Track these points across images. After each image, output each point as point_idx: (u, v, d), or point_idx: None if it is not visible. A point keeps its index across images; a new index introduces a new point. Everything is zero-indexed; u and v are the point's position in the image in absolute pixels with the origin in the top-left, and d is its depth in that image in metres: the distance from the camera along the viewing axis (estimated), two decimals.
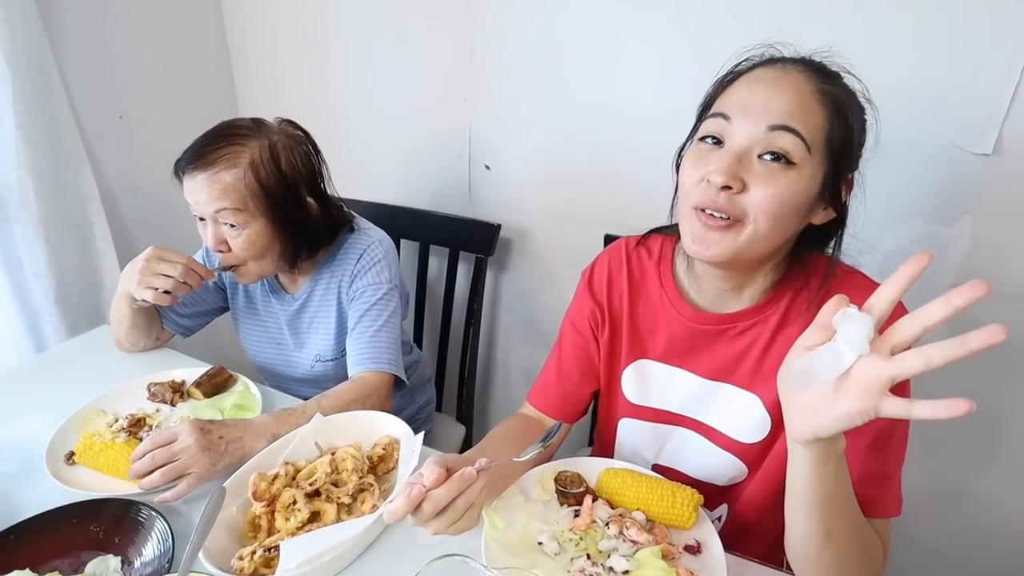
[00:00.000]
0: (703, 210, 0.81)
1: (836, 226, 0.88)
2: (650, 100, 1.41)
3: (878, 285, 0.83)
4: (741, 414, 0.96)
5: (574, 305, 1.12)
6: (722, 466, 1.00)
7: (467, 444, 1.80)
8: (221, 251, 1.17)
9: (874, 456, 0.83)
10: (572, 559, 0.83)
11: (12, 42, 1.37)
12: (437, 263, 1.77)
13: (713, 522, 0.95)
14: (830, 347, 0.62)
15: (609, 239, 1.49)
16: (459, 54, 1.60)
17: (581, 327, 1.08)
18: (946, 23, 1.12)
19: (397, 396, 1.44)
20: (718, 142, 0.81)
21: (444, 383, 1.82)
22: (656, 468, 1.07)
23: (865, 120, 0.83)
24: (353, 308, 1.26)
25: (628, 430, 1.08)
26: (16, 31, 1.38)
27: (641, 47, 1.39)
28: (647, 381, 1.04)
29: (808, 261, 0.89)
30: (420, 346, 1.83)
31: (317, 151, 1.25)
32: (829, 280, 0.88)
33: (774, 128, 0.76)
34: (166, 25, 1.79)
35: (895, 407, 0.58)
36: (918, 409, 0.56)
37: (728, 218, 0.79)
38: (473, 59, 1.59)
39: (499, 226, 1.64)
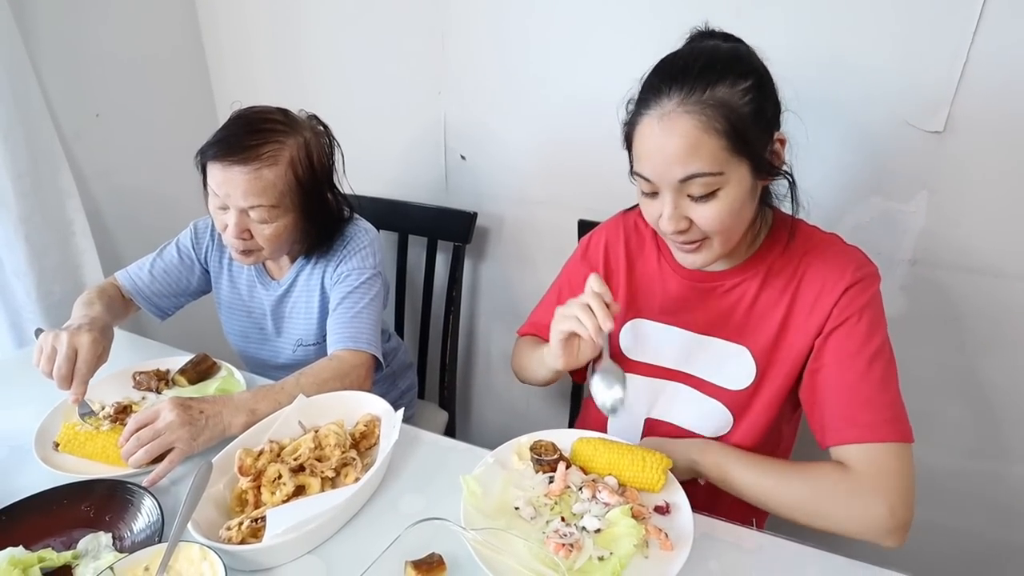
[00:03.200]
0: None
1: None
2: (621, 88, 1.43)
3: (850, 245, 1.00)
4: (730, 363, 1.04)
5: (568, 270, 1.26)
6: (710, 415, 1.07)
7: (450, 429, 1.84)
8: (243, 239, 1.19)
9: (848, 377, 0.94)
10: (547, 522, 0.87)
11: None
12: (416, 252, 1.80)
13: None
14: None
15: (583, 225, 1.53)
16: (431, 46, 1.63)
17: (576, 288, 1.15)
18: (895, 2, 1.16)
19: (379, 382, 1.47)
20: (654, 193, 0.92)
21: (426, 370, 1.86)
22: (649, 421, 1.14)
23: (752, 82, 0.86)
24: (336, 291, 1.29)
25: None
26: None
27: (611, 35, 1.42)
28: (642, 338, 1.13)
29: (782, 220, 1.02)
30: (401, 334, 1.86)
31: (334, 147, 1.29)
32: (802, 241, 1.00)
33: (683, 180, 0.86)
34: (140, 23, 1.80)
35: None
36: None
37: (696, 242, 0.93)
38: (445, 51, 1.62)
39: (475, 214, 1.68)
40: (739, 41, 0.95)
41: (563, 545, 0.80)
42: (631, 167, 0.94)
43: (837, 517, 0.90)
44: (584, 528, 0.85)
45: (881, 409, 0.91)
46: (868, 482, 0.89)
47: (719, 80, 0.84)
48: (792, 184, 0.95)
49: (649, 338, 1.12)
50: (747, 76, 0.86)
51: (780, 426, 1.08)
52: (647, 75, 0.91)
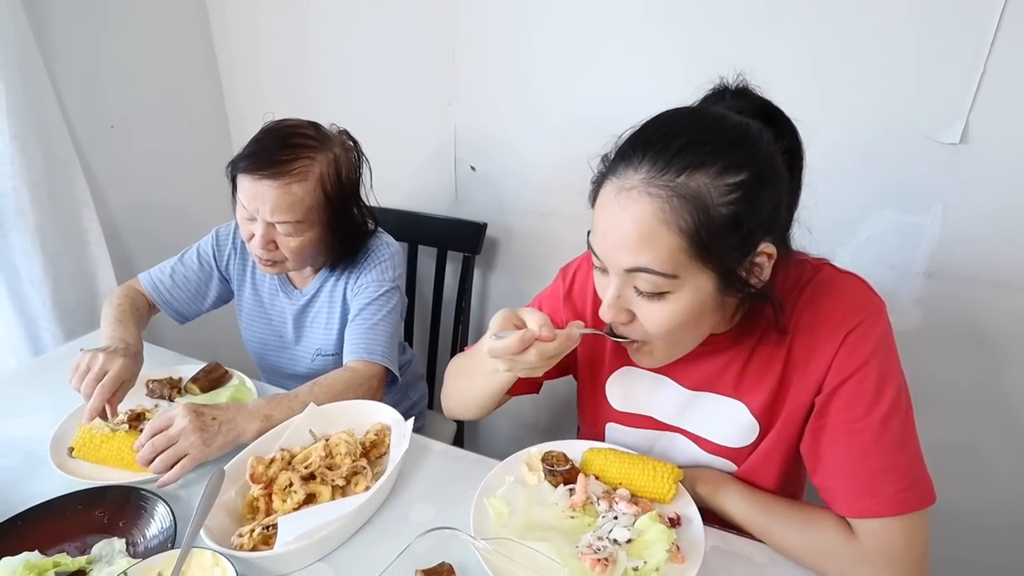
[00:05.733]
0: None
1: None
2: (630, 99, 1.45)
3: (846, 276, 0.89)
4: (728, 421, 0.96)
5: (549, 302, 1.12)
6: (713, 464, 1.01)
7: (459, 440, 1.84)
8: (268, 250, 1.20)
9: (855, 448, 0.83)
10: (580, 536, 0.86)
11: (4, 54, 1.41)
12: (425, 263, 1.81)
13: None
14: None
15: None
16: (443, 58, 1.64)
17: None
18: (912, 15, 1.16)
19: (390, 393, 1.47)
20: (604, 270, 0.81)
21: (435, 381, 1.86)
22: None
23: (745, 179, 0.72)
24: (354, 302, 1.30)
25: (615, 433, 1.09)
26: (8, 43, 1.41)
27: (620, 46, 1.43)
28: (632, 388, 1.04)
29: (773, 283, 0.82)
30: (411, 345, 1.87)
31: (362, 162, 1.30)
32: (792, 286, 0.87)
33: (629, 271, 0.76)
34: (155, 36, 1.83)
35: None
36: None
37: (635, 342, 0.85)
38: (456, 63, 1.63)
39: (485, 225, 1.69)
40: (766, 110, 0.82)
41: (599, 560, 0.80)
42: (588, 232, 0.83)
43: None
44: (616, 540, 0.84)
45: (901, 476, 0.80)
46: (878, 556, 0.80)
47: (700, 166, 0.71)
48: (771, 302, 0.82)
49: (640, 389, 1.03)
50: (740, 169, 0.71)
51: (788, 477, 0.97)
52: (625, 133, 0.80)
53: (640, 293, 0.77)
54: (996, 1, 1.09)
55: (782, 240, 0.79)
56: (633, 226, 0.72)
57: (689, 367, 0.96)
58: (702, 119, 0.76)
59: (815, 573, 0.85)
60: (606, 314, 0.80)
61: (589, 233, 0.82)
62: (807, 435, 0.89)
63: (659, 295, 0.76)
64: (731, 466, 0.99)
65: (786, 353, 0.88)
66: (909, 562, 0.80)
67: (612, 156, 0.79)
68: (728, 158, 0.71)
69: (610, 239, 0.76)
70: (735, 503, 0.93)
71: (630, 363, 1.00)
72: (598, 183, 0.80)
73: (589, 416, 1.13)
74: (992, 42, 1.12)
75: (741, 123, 0.75)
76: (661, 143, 0.73)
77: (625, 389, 1.05)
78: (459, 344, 1.77)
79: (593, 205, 0.81)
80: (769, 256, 0.76)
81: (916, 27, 1.16)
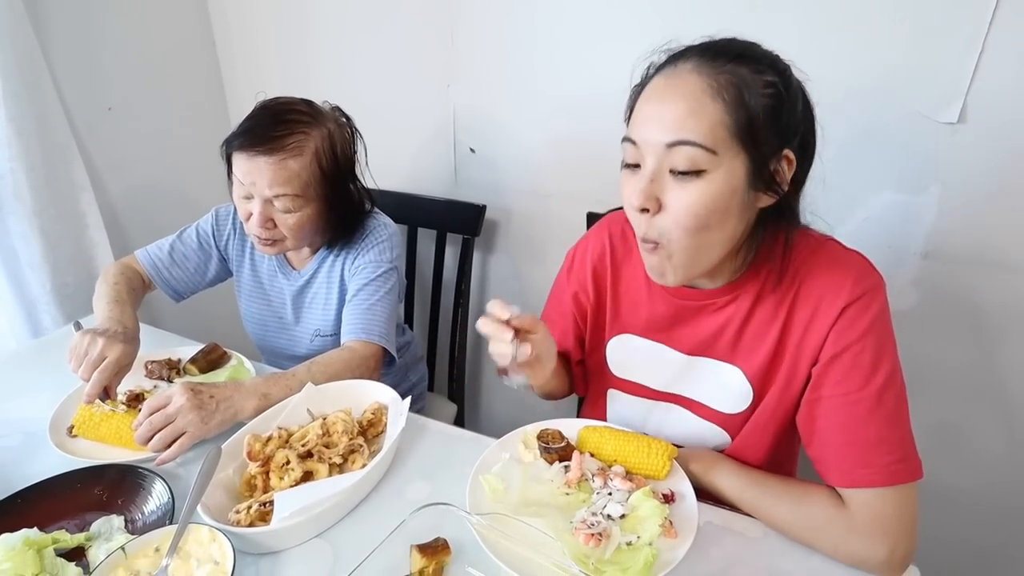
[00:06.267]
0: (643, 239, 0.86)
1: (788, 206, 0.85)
2: (629, 80, 1.44)
3: (849, 251, 0.90)
4: (723, 386, 0.98)
5: (555, 286, 1.18)
6: (706, 437, 1.03)
7: (459, 422, 1.85)
8: (267, 228, 1.21)
9: (850, 420, 0.84)
10: (574, 512, 0.87)
11: None
12: (425, 245, 1.81)
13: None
14: None
15: (592, 217, 1.53)
16: (441, 39, 1.64)
17: (565, 305, 1.13)
18: None
19: (390, 374, 1.48)
20: (636, 166, 0.83)
21: (435, 363, 1.87)
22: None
23: (778, 81, 0.78)
24: (352, 282, 1.30)
25: (616, 400, 1.12)
26: (2, 26, 1.41)
27: (620, 26, 1.42)
28: (631, 356, 1.07)
29: (777, 235, 0.87)
30: (411, 327, 1.87)
31: (356, 138, 1.30)
32: (795, 253, 0.89)
33: (671, 145, 0.77)
34: (151, 16, 1.82)
35: None
36: None
37: (653, 242, 0.84)
38: (454, 44, 1.63)
39: (484, 207, 1.68)
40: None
41: (592, 535, 0.80)
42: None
43: (828, 550, 0.84)
44: (609, 516, 0.85)
45: (893, 449, 0.82)
46: (870, 526, 0.82)
47: (743, 61, 0.77)
48: (788, 209, 0.85)
49: (637, 356, 1.06)
50: (774, 74, 0.78)
51: (781, 447, 0.99)
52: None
53: (675, 174, 0.78)
54: None
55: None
56: (681, 101, 0.77)
57: (686, 331, 0.98)
58: (736, 38, 0.83)
59: (808, 547, 0.86)
60: (635, 198, 0.80)
61: (624, 141, 0.85)
62: (803, 407, 0.90)
63: (695, 174, 0.77)
64: (725, 436, 1.01)
65: (784, 318, 0.90)
66: (900, 532, 0.81)
67: (659, 62, 0.84)
68: (764, 62, 0.78)
69: (654, 118, 0.79)
70: (728, 480, 0.94)
71: (628, 330, 1.05)
72: (638, 88, 0.85)
73: (593, 387, 1.17)
74: (991, 21, 1.11)
75: (772, 51, 0.82)
76: (708, 44, 0.80)
77: (624, 356, 1.08)
78: (459, 326, 1.77)
79: (632, 108, 0.85)
80: (790, 163, 0.81)
81: (914, 5, 1.15)
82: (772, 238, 0.87)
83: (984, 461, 1.41)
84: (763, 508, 0.90)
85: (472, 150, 1.74)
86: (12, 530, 0.81)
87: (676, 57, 0.81)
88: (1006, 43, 1.11)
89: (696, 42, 0.83)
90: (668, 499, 0.90)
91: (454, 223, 1.72)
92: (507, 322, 0.86)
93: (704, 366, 0.99)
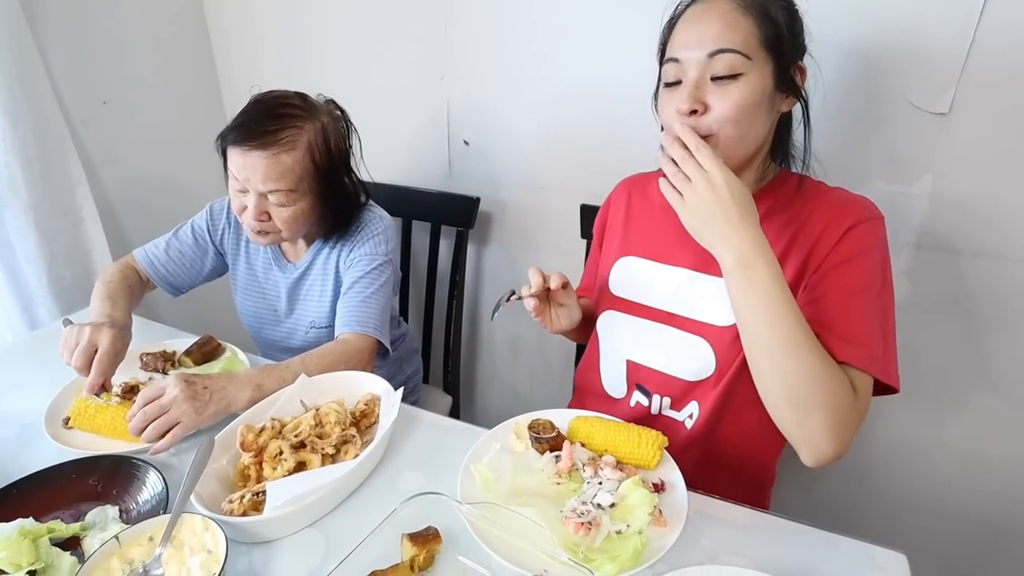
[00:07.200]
0: None
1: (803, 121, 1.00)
2: (623, 73, 1.45)
3: (838, 190, 1.00)
4: (717, 299, 1.03)
5: (595, 235, 1.32)
6: (692, 357, 1.07)
7: (454, 413, 1.86)
8: (261, 221, 1.21)
9: (848, 306, 0.93)
10: (565, 501, 0.88)
11: None
12: (419, 238, 1.82)
13: (684, 420, 1.07)
14: None
15: (586, 209, 1.54)
16: (434, 31, 1.63)
17: (592, 260, 1.30)
18: None
19: (385, 367, 1.49)
20: (678, 82, 0.94)
21: (430, 355, 1.87)
22: (630, 364, 1.15)
23: (787, 6, 0.94)
24: (348, 275, 1.31)
25: (607, 323, 1.18)
26: None
27: (615, 19, 1.42)
28: (630, 276, 1.15)
29: (782, 175, 1.04)
30: (405, 320, 1.88)
31: (351, 131, 1.31)
32: (806, 185, 1.01)
33: (713, 54, 0.90)
34: (146, 10, 1.82)
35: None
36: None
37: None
38: (448, 36, 1.62)
39: (479, 199, 1.69)
40: None
41: (582, 524, 0.81)
42: (660, 60, 0.99)
43: (824, 416, 0.85)
44: (599, 505, 0.86)
45: (877, 344, 0.91)
46: (862, 413, 0.89)
47: None
48: (806, 106, 0.99)
49: (637, 276, 1.14)
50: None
51: None
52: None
53: (716, 80, 0.90)
54: None
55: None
56: (719, 19, 0.90)
57: (691, 246, 0.96)
58: None
59: (800, 407, 0.87)
60: (685, 103, 0.91)
61: (661, 60, 1.00)
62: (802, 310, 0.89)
63: (734, 77, 0.90)
64: (709, 353, 1.05)
65: (789, 236, 0.99)
66: (859, 417, 0.89)
67: (679, 9, 0.97)
68: None
69: (695, 36, 0.91)
70: (768, 276, 0.86)
71: (631, 253, 1.16)
72: (674, 19, 0.97)
73: (595, 310, 1.24)
74: (981, 11, 1.11)
75: None
76: None
77: (626, 276, 1.16)
78: (454, 318, 1.78)
79: (666, 40, 0.98)
80: (802, 72, 0.97)
81: None
82: (779, 177, 1.03)
83: (976, 450, 1.42)
84: (792, 330, 0.85)
85: (466, 142, 1.74)
86: (8, 520, 0.82)
87: None
88: (998, 32, 1.11)
89: None
90: (658, 488, 0.91)
91: (448, 215, 1.73)
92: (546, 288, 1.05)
93: (702, 282, 1.06)
